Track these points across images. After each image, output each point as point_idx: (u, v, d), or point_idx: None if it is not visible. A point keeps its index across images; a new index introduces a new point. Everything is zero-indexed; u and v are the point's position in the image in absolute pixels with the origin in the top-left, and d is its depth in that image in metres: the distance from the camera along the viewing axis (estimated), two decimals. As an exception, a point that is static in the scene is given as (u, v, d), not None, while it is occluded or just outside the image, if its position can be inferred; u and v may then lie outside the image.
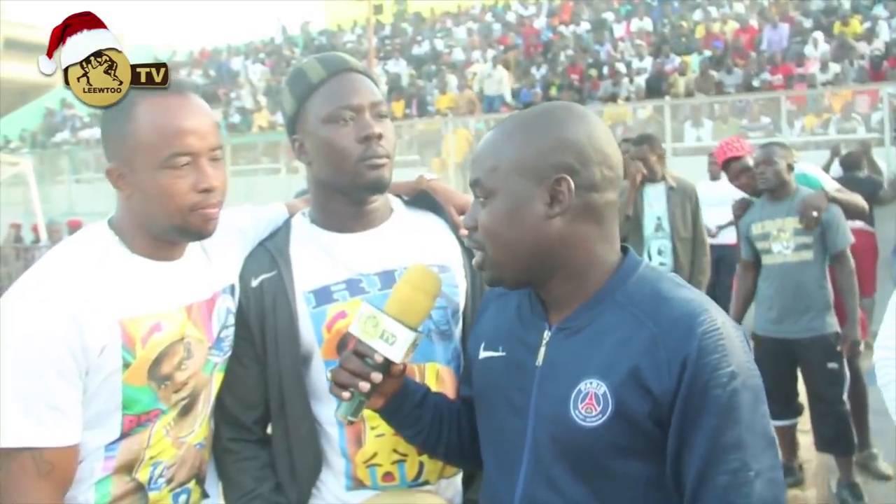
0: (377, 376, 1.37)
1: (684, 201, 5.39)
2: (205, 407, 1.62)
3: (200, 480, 1.66)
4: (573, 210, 1.29)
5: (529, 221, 1.29)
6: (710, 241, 6.27)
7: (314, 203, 1.78)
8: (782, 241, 4.28)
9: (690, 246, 5.37)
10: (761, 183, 4.39)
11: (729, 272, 7.83)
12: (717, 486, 1.19)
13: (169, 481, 1.58)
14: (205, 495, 1.68)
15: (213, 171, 1.52)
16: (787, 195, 4.32)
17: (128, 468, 1.51)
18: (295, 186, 1.87)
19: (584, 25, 19.73)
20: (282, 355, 1.63)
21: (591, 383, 1.26)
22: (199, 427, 1.63)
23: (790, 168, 4.35)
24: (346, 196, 1.70)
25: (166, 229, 1.52)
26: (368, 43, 20.57)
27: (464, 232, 1.81)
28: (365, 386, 1.36)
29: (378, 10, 24.72)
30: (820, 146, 11.71)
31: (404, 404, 1.50)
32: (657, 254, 5.35)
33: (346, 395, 1.38)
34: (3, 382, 1.37)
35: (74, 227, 12.63)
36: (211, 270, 1.64)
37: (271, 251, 1.71)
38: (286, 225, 1.79)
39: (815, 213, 4.15)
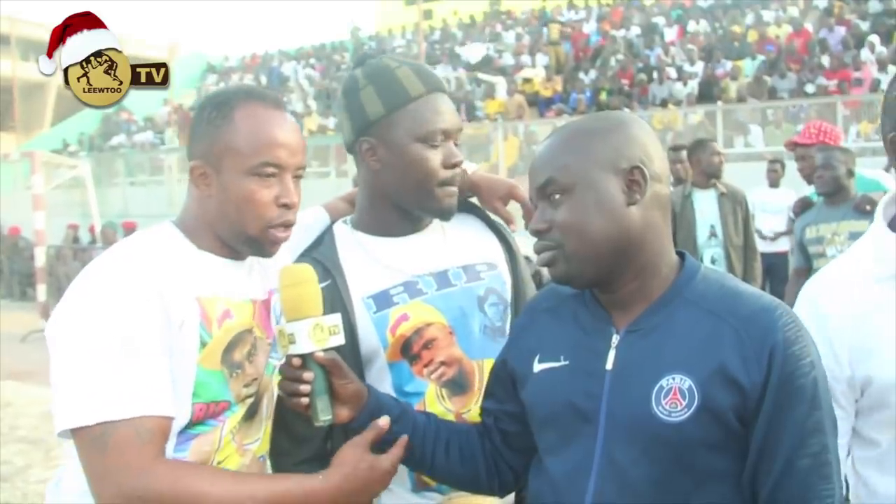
0: (309, 375, 1.45)
1: (735, 208, 5.35)
2: (268, 413, 1.62)
3: None
4: (647, 199, 1.34)
5: (610, 210, 1.33)
6: (764, 247, 6.19)
7: (363, 207, 1.78)
8: (836, 245, 4.24)
9: (742, 253, 5.32)
10: (818, 187, 4.39)
11: (781, 281, 7.72)
12: (799, 469, 1.25)
13: None
14: None
15: (295, 188, 1.53)
16: (844, 200, 4.29)
17: None
18: (344, 190, 1.88)
19: (635, 30, 19.57)
20: None
21: (674, 378, 1.28)
22: (263, 436, 1.61)
23: (850, 174, 4.32)
24: (404, 210, 1.72)
25: (235, 236, 1.53)
26: (419, 48, 20.66)
27: (514, 227, 1.85)
28: (305, 388, 1.45)
29: (427, 15, 24.84)
30: (877, 152, 11.45)
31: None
32: (710, 262, 5.30)
33: (304, 401, 1.46)
34: (97, 357, 1.35)
35: (129, 228, 12.90)
36: (264, 272, 1.65)
37: (322, 261, 1.70)
38: (329, 234, 1.79)
39: (867, 207, 4.17)
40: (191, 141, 1.55)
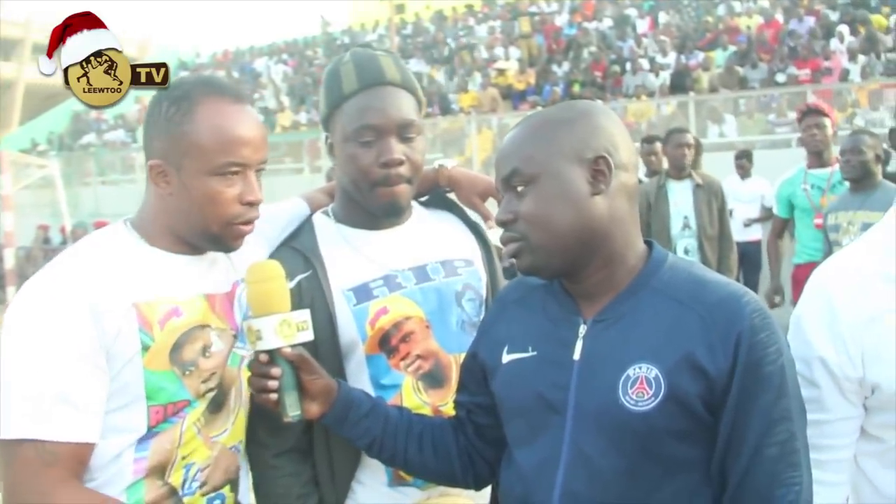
0: (276, 371, 1.44)
1: (710, 199, 5.35)
2: (237, 405, 1.60)
3: (235, 487, 1.62)
4: (612, 189, 1.33)
5: (575, 201, 1.32)
6: (737, 236, 6.22)
7: (341, 201, 1.78)
8: (850, 235, 4.08)
9: (717, 244, 5.33)
10: (845, 172, 4.24)
11: (755, 269, 7.77)
12: (767, 457, 1.25)
13: (202, 485, 1.54)
14: None
15: (257, 182, 1.53)
16: (869, 187, 4.14)
17: (160, 471, 1.48)
18: (318, 186, 1.87)
19: (607, 21, 19.62)
20: (322, 355, 1.60)
21: (640, 368, 1.27)
22: (233, 427, 1.59)
23: (878, 159, 4.18)
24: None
25: (198, 234, 1.52)
26: (391, 42, 20.58)
27: (490, 223, 1.85)
28: (273, 384, 1.44)
29: (400, 9, 24.76)
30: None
31: (349, 415, 1.53)
32: (684, 253, 5.32)
33: (273, 396, 1.46)
34: (16, 374, 1.36)
35: (100, 228, 12.79)
36: (232, 267, 1.64)
37: (302, 251, 1.70)
38: (308, 224, 1.78)
39: None
40: (147, 137, 1.52)
